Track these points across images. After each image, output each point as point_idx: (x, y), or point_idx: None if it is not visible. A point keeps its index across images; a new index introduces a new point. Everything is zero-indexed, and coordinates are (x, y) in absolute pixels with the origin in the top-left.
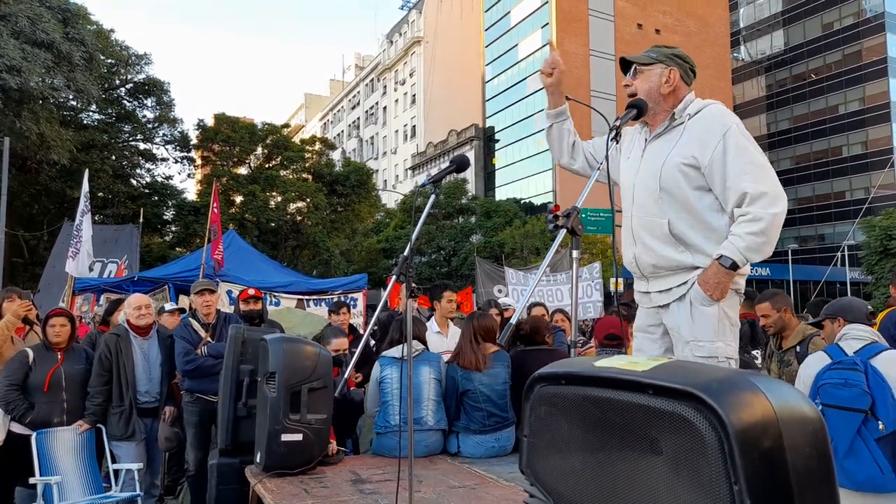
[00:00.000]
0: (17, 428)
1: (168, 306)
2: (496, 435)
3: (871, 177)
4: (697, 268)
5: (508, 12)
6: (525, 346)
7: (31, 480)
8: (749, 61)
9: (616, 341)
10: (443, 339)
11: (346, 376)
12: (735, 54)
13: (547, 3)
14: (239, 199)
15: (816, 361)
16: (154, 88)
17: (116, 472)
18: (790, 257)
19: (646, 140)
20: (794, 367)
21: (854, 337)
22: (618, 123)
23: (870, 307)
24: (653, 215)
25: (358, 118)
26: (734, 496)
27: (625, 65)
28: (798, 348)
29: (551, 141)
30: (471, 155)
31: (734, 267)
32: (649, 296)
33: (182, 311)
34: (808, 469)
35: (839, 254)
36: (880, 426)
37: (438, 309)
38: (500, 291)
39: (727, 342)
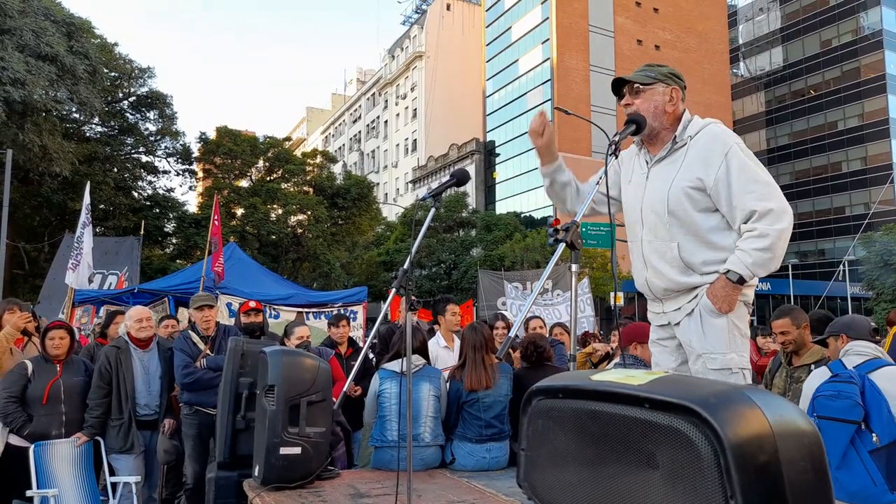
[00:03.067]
0: (15, 440)
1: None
2: (488, 446)
3: (870, 192)
4: (701, 285)
5: (509, 28)
6: (528, 365)
7: (29, 493)
8: (748, 77)
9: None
10: (450, 353)
11: (344, 390)
12: (734, 70)
13: (547, 19)
14: (240, 211)
15: (818, 376)
16: (157, 101)
17: (114, 485)
18: (790, 272)
19: (646, 163)
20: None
21: (856, 353)
22: (617, 138)
23: (873, 324)
24: (662, 239)
25: (359, 132)
26: None
27: (616, 85)
28: (813, 367)
29: (554, 196)
30: (471, 169)
31: (741, 281)
32: (666, 315)
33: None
34: (804, 483)
35: (841, 268)
36: (874, 438)
37: (443, 323)
38: (503, 304)
39: (739, 353)
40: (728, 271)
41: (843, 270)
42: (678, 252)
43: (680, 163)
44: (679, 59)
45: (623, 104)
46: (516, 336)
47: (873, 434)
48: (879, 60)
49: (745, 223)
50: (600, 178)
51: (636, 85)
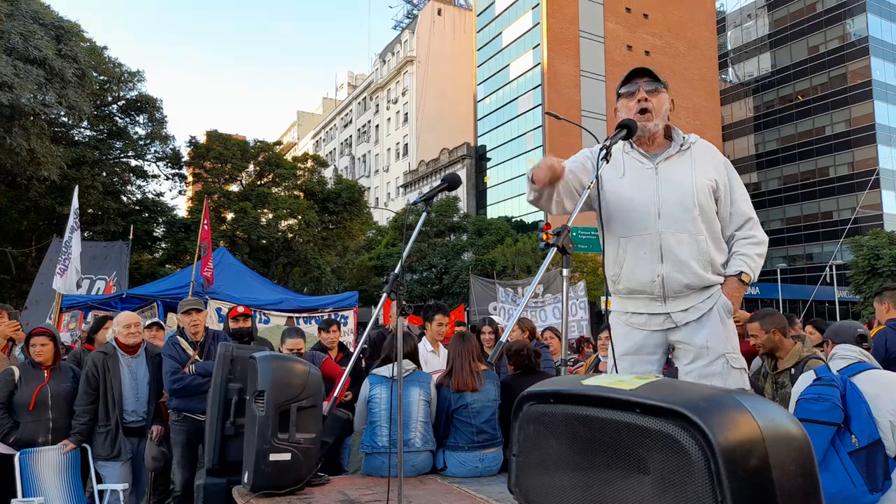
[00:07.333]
0: (1, 447)
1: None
2: (481, 454)
3: (857, 197)
4: (715, 284)
5: (500, 33)
6: (519, 371)
7: (14, 501)
8: (737, 83)
9: None
10: (436, 357)
11: (335, 395)
12: (723, 76)
13: (538, 24)
14: (230, 215)
15: (804, 381)
16: (146, 105)
17: (101, 492)
18: (779, 276)
19: (646, 157)
20: (788, 389)
21: (841, 357)
22: (608, 143)
23: (860, 330)
24: (690, 232)
25: (350, 136)
26: None
27: (633, 75)
28: (793, 370)
29: (540, 205)
30: (462, 173)
31: (748, 283)
32: (668, 317)
33: (159, 325)
34: (794, 487)
35: (828, 272)
36: (853, 440)
37: (429, 330)
38: (494, 309)
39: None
40: (741, 273)
41: (832, 274)
42: (706, 245)
43: (691, 163)
44: (668, 64)
45: (640, 98)
46: (518, 350)
47: (853, 436)
48: (865, 66)
49: (739, 230)
50: (591, 181)
51: (655, 85)
